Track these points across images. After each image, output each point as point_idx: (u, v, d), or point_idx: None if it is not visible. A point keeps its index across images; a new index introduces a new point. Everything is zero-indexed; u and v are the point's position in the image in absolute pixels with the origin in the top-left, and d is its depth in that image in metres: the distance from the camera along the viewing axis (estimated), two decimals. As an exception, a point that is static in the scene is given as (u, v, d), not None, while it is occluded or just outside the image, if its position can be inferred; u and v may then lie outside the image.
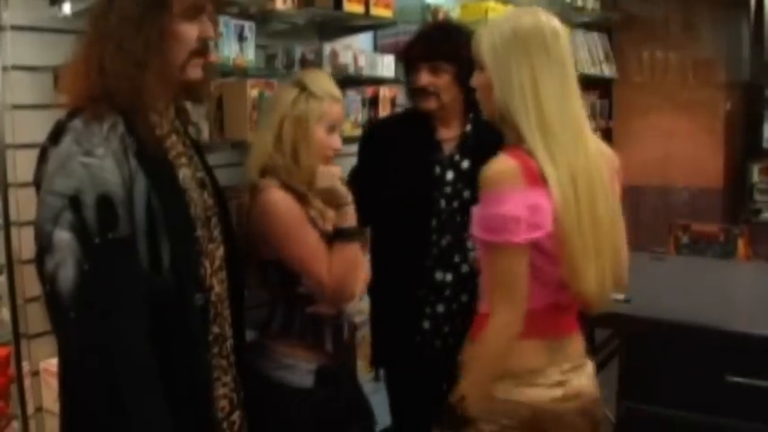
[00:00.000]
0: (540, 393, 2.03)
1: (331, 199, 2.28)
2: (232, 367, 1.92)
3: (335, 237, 2.26)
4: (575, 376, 2.08)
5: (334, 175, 2.27)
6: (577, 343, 2.14)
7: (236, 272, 1.99)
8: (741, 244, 5.30)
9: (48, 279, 1.58)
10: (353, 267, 2.25)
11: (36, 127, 2.64)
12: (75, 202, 1.57)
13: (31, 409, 2.54)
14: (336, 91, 2.38)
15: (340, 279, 2.22)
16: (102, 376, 1.56)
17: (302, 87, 2.36)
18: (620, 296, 2.62)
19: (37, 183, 1.70)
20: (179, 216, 1.72)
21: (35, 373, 2.63)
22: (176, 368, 1.68)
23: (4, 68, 2.45)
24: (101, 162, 1.59)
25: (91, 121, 1.62)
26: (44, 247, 1.58)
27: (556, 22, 2.02)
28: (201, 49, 1.78)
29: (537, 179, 1.92)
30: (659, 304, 2.76)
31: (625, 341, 2.64)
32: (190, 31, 1.74)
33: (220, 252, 1.89)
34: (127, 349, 1.57)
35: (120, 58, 1.67)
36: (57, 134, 1.65)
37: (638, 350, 2.58)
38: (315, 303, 2.28)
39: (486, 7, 4.67)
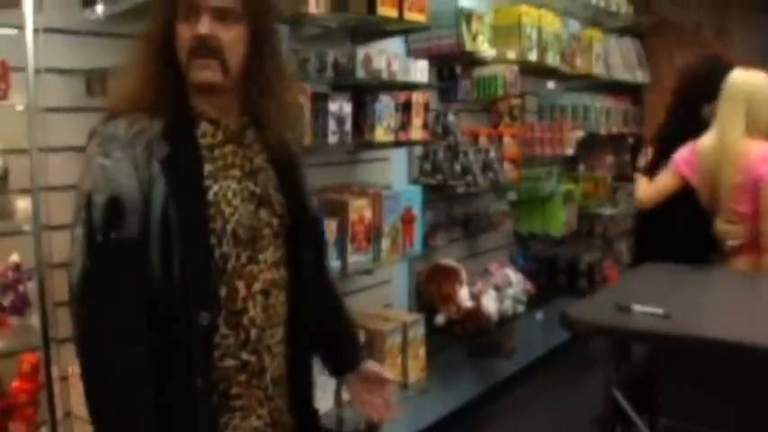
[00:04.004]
0: None
1: None
2: (272, 401, 1.81)
3: None
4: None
5: None
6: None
7: (301, 300, 1.86)
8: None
9: (68, 271, 1.63)
10: None
11: (67, 130, 2.65)
12: (88, 200, 1.60)
13: (59, 415, 2.52)
14: None
15: None
16: (88, 372, 1.59)
17: None
18: (659, 311, 2.56)
19: None
20: (194, 228, 1.66)
21: (64, 378, 2.62)
22: (170, 384, 1.65)
23: (37, 71, 2.42)
24: (117, 164, 1.61)
25: (117, 125, 1.64)
26: (71, 241, 1.64)
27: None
28: (199, 49, 1.67)
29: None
30: (699, 319, 2.67)
31: (663, 358, 2.57)
32: (183, 31, 1.68)
33: (267, 276, 1.77)
34: (109, 349, 1.58)
35: (144, 63, 1.71)
36: (89, 137, 1.69)
37: (677, 368, 2.51)
38: None
39: (519, 12, 4.68)
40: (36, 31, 2.39)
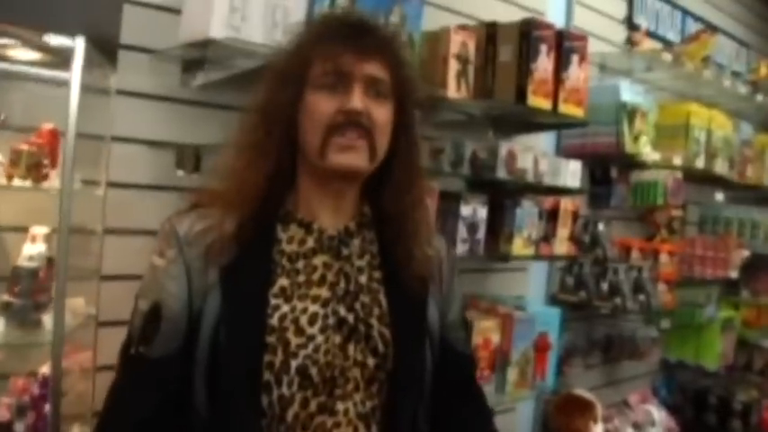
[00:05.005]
0: None
1: None
2: None
3: None
4: None
5: None
6: None
7: None
8: None
9: None
10: None
11: (145, 210, 2.27)
12: (135, 304, 1.40)
13: None
14: None
15: None
16: None
17: None
18: None
19: None
20: (242, 360, 1.32)
21: None
22: None
23: (86, 136, 1.98)
24: (167, 266, 1.37)
25: (183, 220, 1.41)
26: None
27: None
28: (345, 126, 1.36)
29: None
30: None
31: None
32: (322, 104, 1.37)
33: (346, 430, 1.37)
34: None
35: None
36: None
37: None
38: None
39: (687, 111, 4.17)
40: (104, 92, 2.02)
